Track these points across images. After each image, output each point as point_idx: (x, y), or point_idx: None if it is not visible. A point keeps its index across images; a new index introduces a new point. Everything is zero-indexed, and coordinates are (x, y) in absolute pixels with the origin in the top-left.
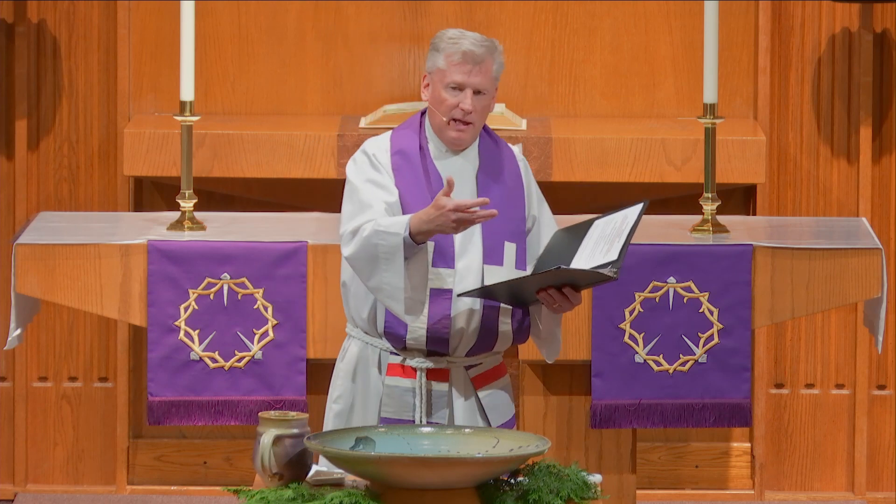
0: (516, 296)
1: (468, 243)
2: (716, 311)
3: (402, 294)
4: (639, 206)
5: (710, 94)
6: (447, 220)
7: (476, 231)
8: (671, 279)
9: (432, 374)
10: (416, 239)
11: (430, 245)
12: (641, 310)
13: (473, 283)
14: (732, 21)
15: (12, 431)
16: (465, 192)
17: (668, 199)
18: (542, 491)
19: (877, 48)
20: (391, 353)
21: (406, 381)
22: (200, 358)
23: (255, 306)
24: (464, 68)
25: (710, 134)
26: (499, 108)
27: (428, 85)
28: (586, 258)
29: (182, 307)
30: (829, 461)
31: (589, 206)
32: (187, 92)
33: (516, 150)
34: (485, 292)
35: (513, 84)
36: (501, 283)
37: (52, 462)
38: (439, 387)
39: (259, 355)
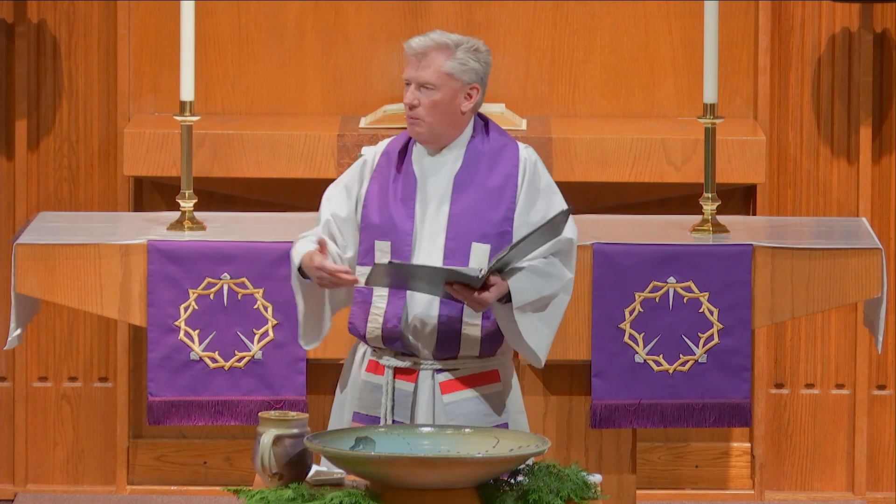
0: (431, 286)
1: (430, 242)
2: (716, 311)
3: (300, 317)
4: (557, 213)
5: (710, 94)
6: (314, 275)
7: (441, 231)
8: (671, 279)
9: (401, 374)
10: (306, 274)
11: (387, 245)
12: (641, 310)
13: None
14: (732, 21)
15: (12, 431)
16: (439, 192)
17: (668, 199)
18: (542, 491)
19: (877, 48)
20: (372, 349)
21: (378, 377)
22: (200, 358)
23: (255, 306)
24: (410, 63)
25: (710, 134)
26: (499, 108)
27: None
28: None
29: (182, 307)
30: (829, 461)
31: (589, 207)
32: (187, 92)
33: (526, 150)
34: (391, 273)
35: (513, 84)
36: (380, 265)
37: (52, 462)
38: (404, 386)
39: (259, 355)
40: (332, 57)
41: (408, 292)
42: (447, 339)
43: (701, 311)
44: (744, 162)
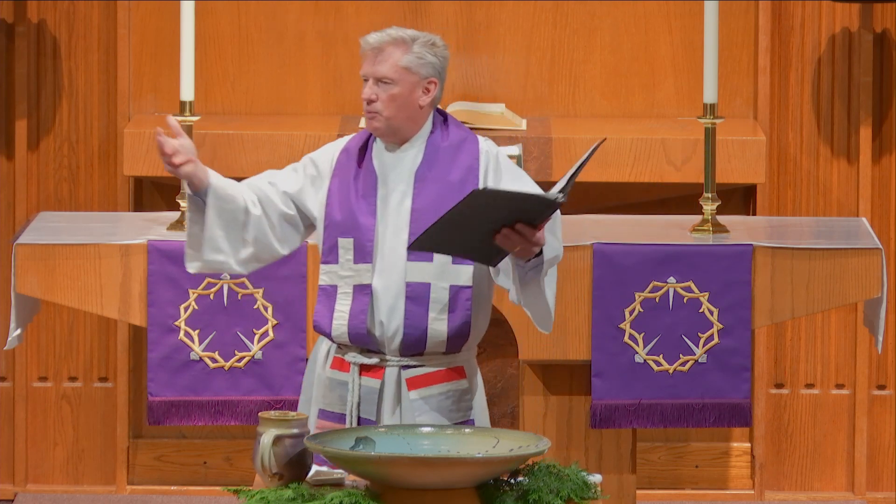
0: (469, 244)
1: (393, 238)
2: (716, 311)
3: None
4: (596, 144)
5: (710, 94)
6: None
7: (403, 227)
8: (671, 279)
9: (367, 371)
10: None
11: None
12: (641, 310)
13: (396, 279)
14: (732, 21)
15: (12, 431)
16: (400, 188)
17: (668, 199)
18: (542, 491)
19: (877, 48)
20: (337, 346)
21: (342, 374)
22: (200, 358)
23: (255, 306)
24: (364, 59)
25: (710, 134)
26: (499, 107)
27: None
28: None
29: (182, 307)
30: (829, 461)
31: (589, 207)
32: (187, 92)
33: (486, 143)
34: (429, 242)
35: (513, 84)
36: (433, 226)
37: (52, 462)
38: (370, 383)
39: (259, 355)
40: (332, 57)
41: (373, 289)
42: (414, 336)
43: (701, 311)
44: (744, 162)
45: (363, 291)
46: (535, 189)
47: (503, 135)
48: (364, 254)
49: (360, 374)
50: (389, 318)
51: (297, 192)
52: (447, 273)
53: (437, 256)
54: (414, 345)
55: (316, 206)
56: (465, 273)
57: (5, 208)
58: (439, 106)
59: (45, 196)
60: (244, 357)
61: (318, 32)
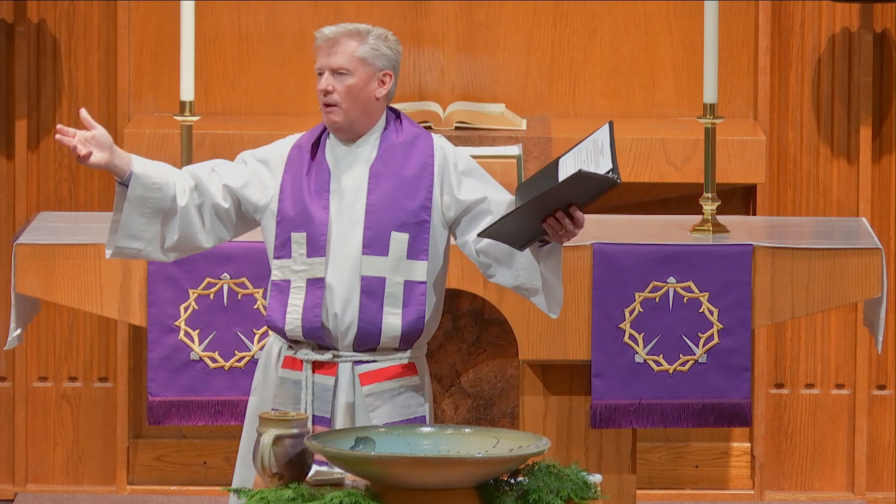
0: (521, 227)
1: (348, 232)
2: (716, 311)
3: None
4: (604, 126)
5: (710, 94)
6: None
7: (358, 221)
8: (671, 279)
9: (320, 368)
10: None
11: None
12: (641, 310)
13: (350, 273)
14: (732, 21)
15: (12, 431)
16: (354, 183)
17: (668, 199)
18: (542, 491)
19: (877, 48)
20: (288, 345)
21: (295, 373)
22: (200, 358)
23: (255, 306)
24: (319, 52)
25: (710, 134)
26: (499, 108)
27: None
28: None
29: (182, 307)
30: (829, 461)
31: (589, 206)
32: (187, 92)
33: (439, 139)
34: (499, 229)
35: (513, 84)
36: (514, 211)
37: (52, 462)
38: (324, 380)
39: (259, 355)
40: None
41: (326, 283)
42: (368, 331)
43: (701, 311)
44: (744, 162)
45: (316, 285)
46: (496, 185)
47: (503, 135)
48: (317, 247)
49: (313, 372)
50: (344, 312)
51: (240, 187)
52: (402, 268)
53: (392, 251)
54: (368, 340)
55: (261, 201)
56: (419, 268)
57: (5, 208)
58: (443, 105)
59: (45, 196)
60: (244, 357)
61: None
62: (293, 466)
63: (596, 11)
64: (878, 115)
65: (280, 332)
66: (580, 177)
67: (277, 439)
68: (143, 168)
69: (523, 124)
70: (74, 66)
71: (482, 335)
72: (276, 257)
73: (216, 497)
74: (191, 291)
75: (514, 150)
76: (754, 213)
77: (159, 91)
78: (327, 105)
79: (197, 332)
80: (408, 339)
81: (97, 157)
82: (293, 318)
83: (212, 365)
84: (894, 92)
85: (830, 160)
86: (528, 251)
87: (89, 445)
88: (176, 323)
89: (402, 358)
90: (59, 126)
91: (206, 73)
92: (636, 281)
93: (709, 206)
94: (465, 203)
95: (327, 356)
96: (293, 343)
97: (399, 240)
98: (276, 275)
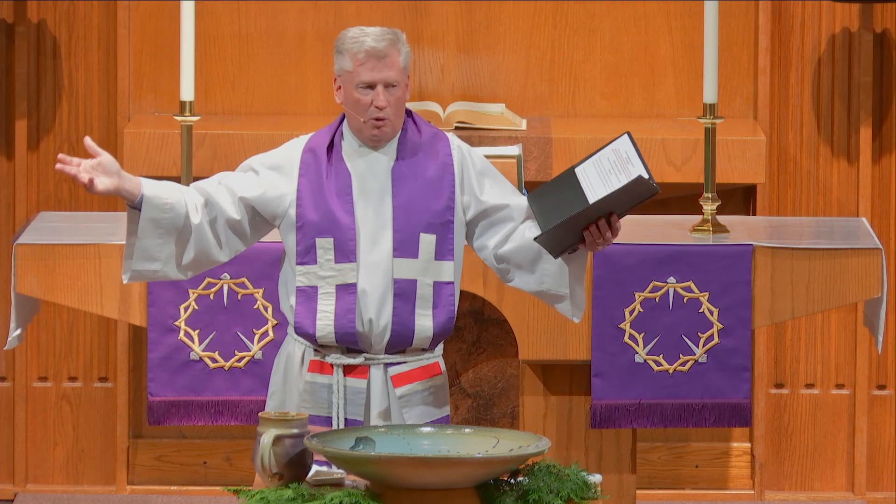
0: (568, 234)
1: (377, 235)
2: (716, 311)
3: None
4: (623, 136)
5: (710, 94)
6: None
7: (387, 225)
8: (671, 279)
9: (350, 371)
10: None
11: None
12: (641, 310)
13: (383, 277)
14: (732, 21)
15: (12, 431)
16: (377, 185)
17: (668, 199)
18: (542, 491)
19: (877, 48)
20: (314, 349)
21: (324, 377)
22: (200, 358)
23: (255, 306)
24: (370, 65)
25: (710, 134)
26: (499, 108)
27: (340, 88)
28: (603, 190)
29: (182, 307)
30: (829, 461)
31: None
32: (187, 92)
33: (454, 139)
34: (549, 238)
35: (513, 84)
36: (568, 219)
37: (52, 462)
38: (356, 384)
39: (259, 355)
40: (331, 57)
41: (359, 288)
42: (401, 333)
43: (701, 311)
44: (744, 162)
45: (348, 290)
46: (512, 187)
47: (503, 135)
48: (346, 253)
49: (344, 376)
50: (378, 316)
51: (257, 197)
52: (431, 269)
53: (421, 252)
54: (400, 342)
55: (280, 208)
56: (447, 269)
57: (5, 208)
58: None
59: (45, 196)
60: (244, 357)
61: (318, 32)
62: (293, 466)
63: (596, 11)
64: (878, 115)
65: (310, 337)
66: (639, 182)
67: (277, 439)
68: (154, 189)
69: (523, 124)
70: (74, 66)
71: (482, 335)
72: (300, 263)
73: (216, 497)
74: (191, 291)
75: (514, 150)
76: (754, 213)
77: (159, 91)
78: (379, 119)
79: (197, 332)
80: (438, 339)
81: (104, 183)
82: (325, 325)
83: (212, 365)
84: (894, 92)
85: (830, 160)
86: (540, 259)
87: (89, 445)
88: (176, 323)
89: (431, 358)
90: (60, 156)
91: (206, 73)
92: (636, 281)
93: (709, 206)
94: (487, 205)
95: (359, 359)
96: (320, 347)
97: (427, 241)
98: (301, 281)
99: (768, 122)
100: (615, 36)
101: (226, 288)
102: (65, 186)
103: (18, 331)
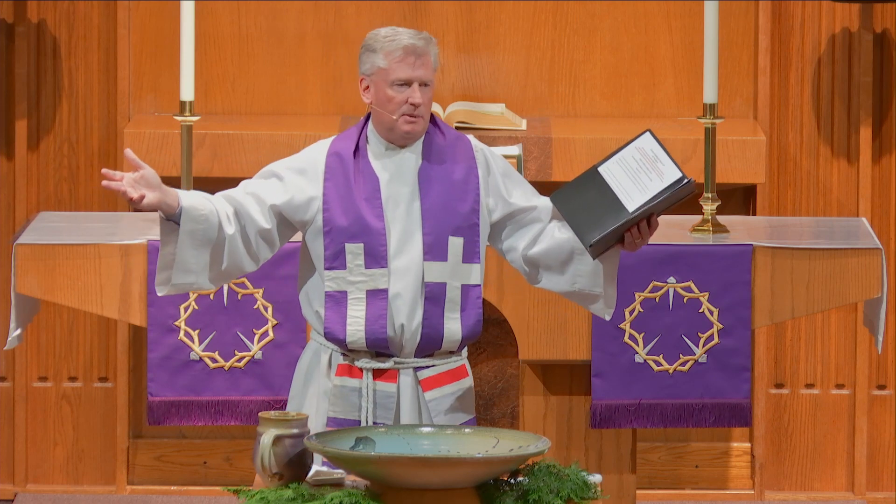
0: (612, 240)
1: (407, 239)
2: (716, 311)
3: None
4: (646, 133)
5: (710, 94)
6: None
7: (416, 228)
8: (671, 279)
9: (380, 375)
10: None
11: (359, 247)
12: (641, 310)
13: (414, 281)
14: (732, 21)
15: (12, 431)
16: (405, 188)
17: None
18: (542, 491)
19: (877, 48)
20: (342, 354)
21: (353, 381)
22: (200, 358)
23: (255, 306)
24: (407, 62)
25: (710, 134)
26: (499, 108)
27: (368, 87)
28: (641, 193)
29: (182, 307)
30: (829, 461)
31: None
32: (187, 92)
33: (475, 141)
34: (606, 238)
35: (513, 84)
36: (624, 222)
37: (52, 462)
38: (386, 388)
39: (259, 355)
40: (332, 57)
41: (391, 293)
42: (431, 337)
43: (701, 311)
44: (744, 162)
45: (379, 296)
46: (532, 188)
47: (503, 135)
48: (377, 258)
49: (374, 379)
50: (409, 321)
51: (285, 203)
52: (459, 272)
53: (450, 255)
54: (430, 346)
55: (308, 214)
56: (474, 272)
57: (5, 208)
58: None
59: (45, 196)
60: (244, 357)
61: (318, 32)
62: (293, 466)
63: (596, 11)
64: (878, 115)
65: (340, 343)
66: (681, 184)
67: (277, 439)
68: (190, 200)
69: (523, 124)
70: (74, 66)
71: (482, 335)
72: (329, 268)
73: (216, 497)
74: (191, 291)
75: (515, 150)
76: (754, 213)
77: (159, 91)
78: (413, 116)
79: (197, 332)
80: (465, 342)
81: (150, 197)
82: (355, 330)
83: (212, 365)
84: (894, 92)
85: (830, 160)
86: (573, 259)
87: (89, 445)
88: (176, 323)
89: (458, 361)
90: (104, 171)
91: (206, 73)
92: (636, 281)
93: (709, 206)
94: (515, 207)
95: (388, 364)
96: (349, 351)
97: (455, 244)
98: (330, 286)
99: (768, 122)
100: (615, 36)
101: (226, 288)
102: (65, 186)
103: (18, 331)
